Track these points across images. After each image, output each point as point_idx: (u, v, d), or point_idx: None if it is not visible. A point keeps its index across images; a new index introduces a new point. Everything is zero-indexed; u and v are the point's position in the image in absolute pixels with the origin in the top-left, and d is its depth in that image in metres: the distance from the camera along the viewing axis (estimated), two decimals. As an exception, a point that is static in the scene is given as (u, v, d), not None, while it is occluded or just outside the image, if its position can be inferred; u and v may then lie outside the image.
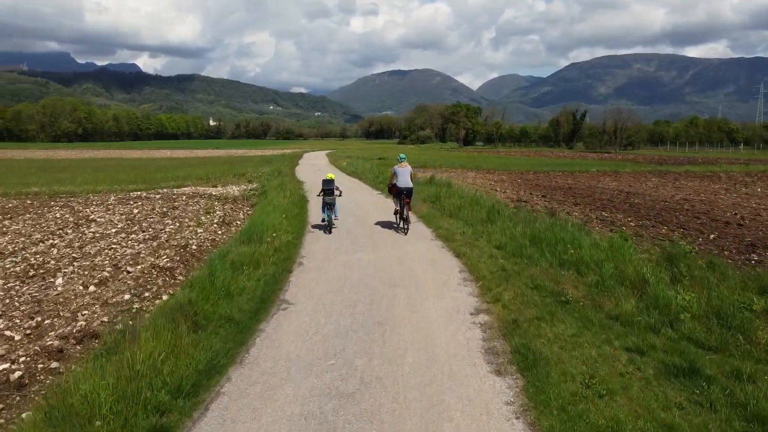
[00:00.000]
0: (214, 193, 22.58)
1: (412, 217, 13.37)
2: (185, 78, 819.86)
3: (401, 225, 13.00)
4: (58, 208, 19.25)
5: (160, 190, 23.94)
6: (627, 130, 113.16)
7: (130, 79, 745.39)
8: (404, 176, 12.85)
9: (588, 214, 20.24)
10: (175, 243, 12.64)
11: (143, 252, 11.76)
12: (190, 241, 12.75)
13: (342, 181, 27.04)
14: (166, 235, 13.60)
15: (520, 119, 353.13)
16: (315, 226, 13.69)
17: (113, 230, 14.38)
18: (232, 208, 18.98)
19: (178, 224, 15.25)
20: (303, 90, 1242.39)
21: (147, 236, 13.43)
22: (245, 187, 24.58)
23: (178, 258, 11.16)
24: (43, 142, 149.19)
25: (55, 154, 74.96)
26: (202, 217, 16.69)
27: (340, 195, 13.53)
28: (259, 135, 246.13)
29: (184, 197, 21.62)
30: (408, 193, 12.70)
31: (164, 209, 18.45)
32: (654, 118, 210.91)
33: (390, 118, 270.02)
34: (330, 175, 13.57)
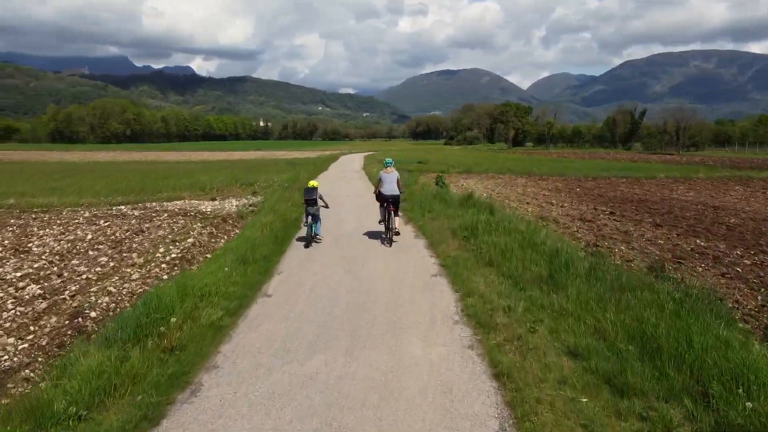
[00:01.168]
0: (204, 210, 18.59)
1: (431, 265, 9.15)
2: (237, 80, 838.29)
3: (386, 236, 12.17)
4: (12, 229, 15.65)
5: (149, 204, 20.20)
6: (689, 130, 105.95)
7: (183, 82, 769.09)
8: (390, 183, 12.16)
9: (677, 241, 15.36)
10: (77, 304, 8.49)
11: (11, 323, 7.66)
12: (100, 300, 8.56)
13: (361, 191, 22.68)
14: (77, 286, 9.47)
15: (571, 119, 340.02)
16: (300, 239, 12.55)
17: (19, 273, 10.38)
18: (212, 232, 14.84)
19: (114, 264, 11.14)
20: (351, 91, 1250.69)
21: (45, 288, 9.29)
22: (246, 201, 20.50)
23: (46, 341, 6.99)
24: (93, 143, 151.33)
25: (92, 156, 73.85)
26: (161, 249, 12.58)
27: (325, 206, 12.73)
28: (306, 136, 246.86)
29: (165, 215, 17.70)
30: (394, 200, 12.06)
31: (125, 234, 14.49)
32: (713, 117, 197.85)
33: (437, 118, 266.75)
34: (312, 183, 12.59)
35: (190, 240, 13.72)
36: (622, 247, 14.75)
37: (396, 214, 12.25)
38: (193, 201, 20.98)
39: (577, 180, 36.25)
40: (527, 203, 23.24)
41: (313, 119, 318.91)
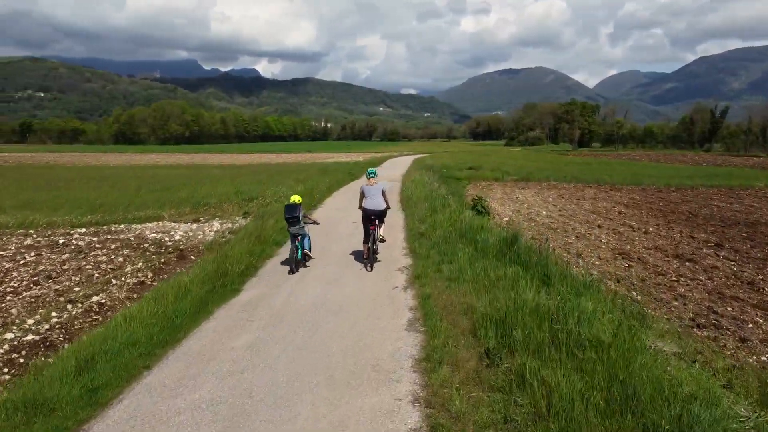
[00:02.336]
0: (171, 238, 14.40)
1: None
2: (300, 81, 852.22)
3: (368, 258, 10.52)
4: None
5: (114, 227, 16.34)
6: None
7: (249, 84, 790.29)
8: (374, 197, 10.68)
9: None
10: None
11: None
12: None
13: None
14: None
15: (640, 118, 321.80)
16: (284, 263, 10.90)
17: None
18: (143, 281, 10.48)
19: None
20: (412, 91, 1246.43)
21: None
22: (230, 225, 16.18)
23: None
24: (153, 144, 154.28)
25: (136, 160, 72.97)
26: (31, 320, 8.30)
27: (314, 223, 11.40)
28: (365, 136, 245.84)
29: (113, 246, 13.58)
30: (378, 216, 10.63)
31: (26, 281, 10.37)
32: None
33: (498, 118, 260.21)
34: (294, 198, 10.77)
35: (98, 298, 9.39)
36: (760, 320, 9.38)
37: (379, 227, 11.03)
38: (168, 223, 16.91)
39: (657, 190, 30.11)
40: (599, 226, 17.91)
41: (373, 120, 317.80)
